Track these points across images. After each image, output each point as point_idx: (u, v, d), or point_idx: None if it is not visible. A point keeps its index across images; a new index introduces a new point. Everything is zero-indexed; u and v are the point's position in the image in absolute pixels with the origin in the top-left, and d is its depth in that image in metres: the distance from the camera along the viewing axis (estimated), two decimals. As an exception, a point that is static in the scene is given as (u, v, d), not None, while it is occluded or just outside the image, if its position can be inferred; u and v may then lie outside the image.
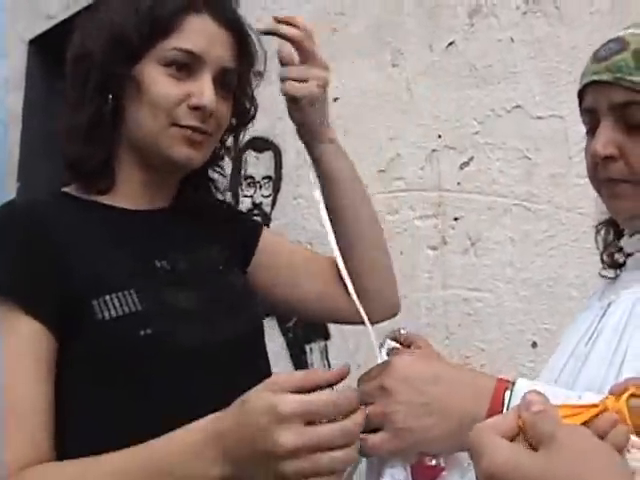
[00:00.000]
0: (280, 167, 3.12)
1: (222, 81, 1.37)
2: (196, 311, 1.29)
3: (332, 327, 2.80)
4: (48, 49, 4.68)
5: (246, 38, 1.43)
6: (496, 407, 0.98)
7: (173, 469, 1.02)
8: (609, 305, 1.31)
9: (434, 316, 2.44)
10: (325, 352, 2.83)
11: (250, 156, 3.24)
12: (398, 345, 1.26)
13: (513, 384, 1.00)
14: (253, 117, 1.57)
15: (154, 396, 1.19)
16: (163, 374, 1.20)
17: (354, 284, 1.25)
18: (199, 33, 1.33)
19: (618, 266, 1.40)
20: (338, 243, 1.30)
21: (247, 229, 1.60)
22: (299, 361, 2.94)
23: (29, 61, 4.92)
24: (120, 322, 1.20)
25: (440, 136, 2.49)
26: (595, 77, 1.27)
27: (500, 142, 2.34)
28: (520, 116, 2.29)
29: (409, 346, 1.32)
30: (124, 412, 1.18)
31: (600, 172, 1.28)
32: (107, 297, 1.21)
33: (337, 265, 1.30)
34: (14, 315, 1.16)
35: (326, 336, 2.83)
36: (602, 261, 1.43)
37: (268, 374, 1.26)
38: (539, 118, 2.21)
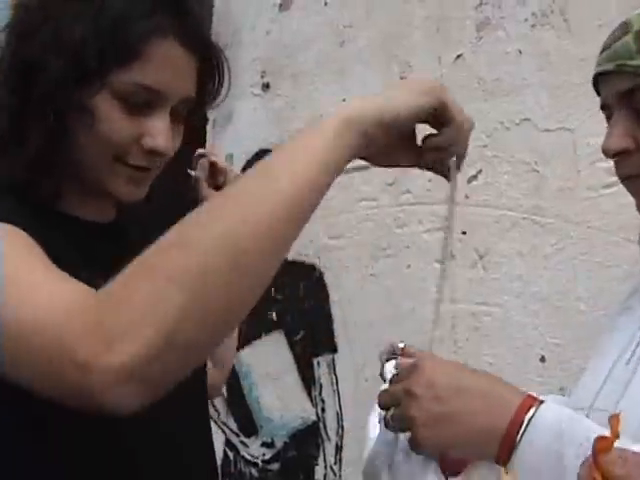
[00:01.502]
0: (288, 180, 3.11)
1: (178, 110, 1.23)
2: None
3: (340, 341, 2.79)
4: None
5: (213, 62, 1.28)
6: (515, 427, 0.97)
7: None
8: None
9: (442, 330, 2.43)
10: (332, 366, 2.82)
11: (258, 168, 3.23)
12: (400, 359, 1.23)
13: (541, 403, 0.98)
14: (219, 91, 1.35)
15: None
16: None
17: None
18: (163, 64, 1.17)
19: None
20: None
21: None
22: (306, 375, 2.93)
23: None
24: None
25: (448, 149, 2.48)
26: (599, 69, 1.20)
27: (508, 155, 2.33)
28: (528, 129, 2.28)
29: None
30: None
31: (619, 170, 1.20)
32: None
33: None
34: None
35: (334, 349, 2.82)
36: None
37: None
38: (547, 131, 2.21)
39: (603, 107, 1.23)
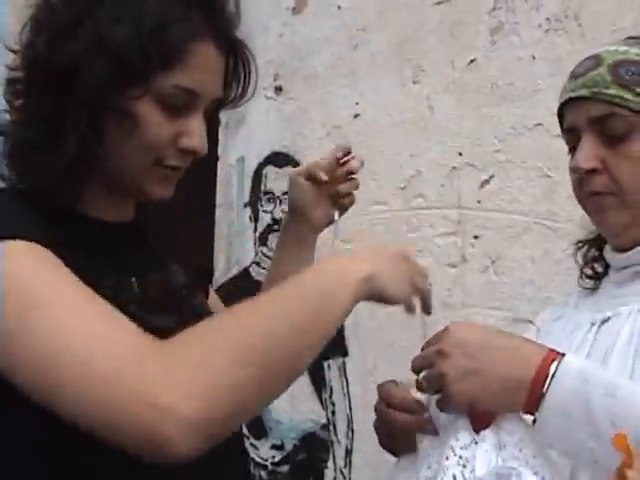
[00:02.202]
0: (300, 183, 3.11)
1: (207, 109, 1.24)
2: (169, 334, 1.15)
3: (350, 344, 2.79)
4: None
5: (240, 61, 1.30)
6: (541, 376, 1.05)
7: (333, 274, 1.11)
8: (604, 321, 1.31)
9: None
10: (343, 369, 2.82)
11: (270, 171, 3.23)
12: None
13: (563, 355, 1.07)
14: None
15: None
16: None
17: None
18: (202, 66, 1.18)
19: (598, 277, 1.42)
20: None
21: (201, 274, 1.55)
22: (317, 377, 2.93)
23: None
24: None
25: (461, 154, 2.48)
26: (572, 94, 1.32)
27: (521, 160, 2.33)
28: (541, 134, 2.28)
29: None
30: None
31: (584, 186, 1.32)
32: None
33: None
34: None
35: (344, 353, 2.82)
36: (582, 274, 1.45)
37: None
38: (560, 136, 2.18)
39: (569, 130, 1.36)
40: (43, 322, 0.98)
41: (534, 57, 2.31)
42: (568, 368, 1.04)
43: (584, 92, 1.28)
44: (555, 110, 2.21)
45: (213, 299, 1.55)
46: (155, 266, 1.30)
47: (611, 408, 1.00)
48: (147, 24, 1.12)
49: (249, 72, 1.32)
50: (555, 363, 1.05)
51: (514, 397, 1.06)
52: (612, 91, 1.25)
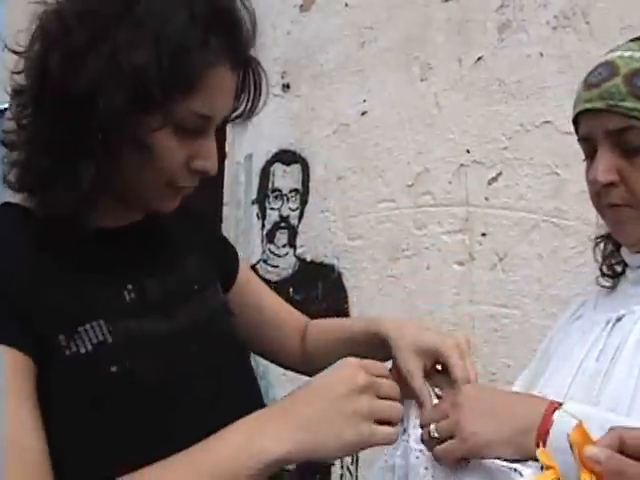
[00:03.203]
0: (308, 180, 3.12)
1: (217, 127, 1.23)
2: (168, 339, 1.21)
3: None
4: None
5: (251, 77, 1.27)
6: (546, 423, 1.08)
7: (236, 455, 1.02)
8: (618, 319, 1.32)
9: (460, 332, 2.43)
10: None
11: (277, 169, 3.24)
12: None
13: (561, 404, 1.11)
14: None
15: (130, 430, 1.12)
16: (139, 408, 1.13)
17: None
18: (217, 91, 1.16)
19: (617, 276, 1.43)
20: None
21: (227, 255, 1.54)
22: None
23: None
24: (89, 358, 1.10)
25: (468, 151, 2.48)
26: (588, 105, 1.29)
27: (529, 158, 2.32)
28: (549, 131, 2.28)
29: None
30: (102, 448, 1.10)
31: (602, 198, 1.31)
32: (74, 331, 1.11)
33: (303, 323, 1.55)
34: None
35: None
36: (601, 272, 1.46)
37: (256, 394, 1.36)
38: (568, 134, 2.19)
39: (584, 139, 1.34)
40: None
41: (542, 54, 2.31)
42: (568, 412, 1.08)
43: (600, 104, 1.26)
44: (563, 107, 2.23)
45: (245, 280, 1.55)
46: (160, 268, 1.29)
47: None
48: (165, 49, 1.07)
49: (259, 88, 1.29)
50: (558, 411, 1.10)
51: (525, 441, 1.10)
52: (629, 104, 1.23)
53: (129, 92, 1.07)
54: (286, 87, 3.18)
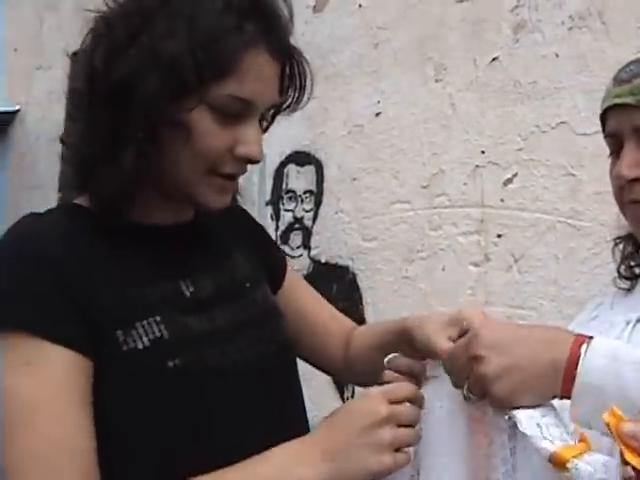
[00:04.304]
0: (322, 181, 3.12)
1: (263, 116, 1.25)
2: (222, 335, 1.23)
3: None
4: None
5: (295, 67, 1.28)
6: (573, 357, 1.06)
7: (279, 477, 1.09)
8: (638, 320, 1.32)
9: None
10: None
11: (292, 170, 3.24)
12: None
13: (590, 338, 1.07)
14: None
15: (186, 423, 1.16)
16: (194, 403, 1.16)
17: None
18: (256, 75, 1.18)
19: (635, 278, 1.43)
20: None
21: (275, 260, 1.55)
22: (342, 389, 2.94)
23: (72, 73, 4.96)
24: (146, 353, 1.14)
25: (484, 152, 2.48)
26: (617, 100, 1.29)
27: (544, 159, 2.32)
28: (565, 132, 2.27)
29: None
30: (158, 442, 1.14)
31: (626, 194, 1.31)
32: (131, 326, 1.14)
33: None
34: (39, 347, 1.08)
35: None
36: (618, 273, 1.45)
37: (299, 393, 1.38)
38: (584, 134, 2.19)
39: (611, 135, 1.33)
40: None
41: (557, 55, 2.30)
42: (598, 348, 1.06)
43: (630, 100, 1.26)
44: (579, 108, 2.22)
45: (291, 284, 1.56)
46: (212, 266, 1.31)
47: None
48: (198, 37, 1.13)
49: (305, 78, 1.30)
50: (585, 345, 1.06)
51: (552, 383, 1.08)
52: None
53: (165, 78, 1.13)
54: (300, 88, 3.18)
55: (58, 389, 1.08)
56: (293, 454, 1.12)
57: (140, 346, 1.13)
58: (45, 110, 5.32)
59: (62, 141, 1.27)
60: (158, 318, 1.16)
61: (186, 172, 1.20)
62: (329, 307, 1.64)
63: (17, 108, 5.68)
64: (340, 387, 2.95)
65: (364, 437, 1.10)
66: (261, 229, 1.60)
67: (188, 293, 1.24)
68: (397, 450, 1.11)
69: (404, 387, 1.16)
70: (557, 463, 0.99)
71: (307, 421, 1.38)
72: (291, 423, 1.27)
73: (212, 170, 1.20)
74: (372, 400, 1.13)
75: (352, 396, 2.86)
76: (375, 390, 1.15)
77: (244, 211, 1.55)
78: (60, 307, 1.10)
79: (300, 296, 1.58)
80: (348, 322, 1.65)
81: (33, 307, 1.10)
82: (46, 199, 5.06)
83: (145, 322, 1.15)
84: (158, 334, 1.15)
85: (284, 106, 1.31)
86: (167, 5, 1.15)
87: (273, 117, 1.31)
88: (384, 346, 1.45)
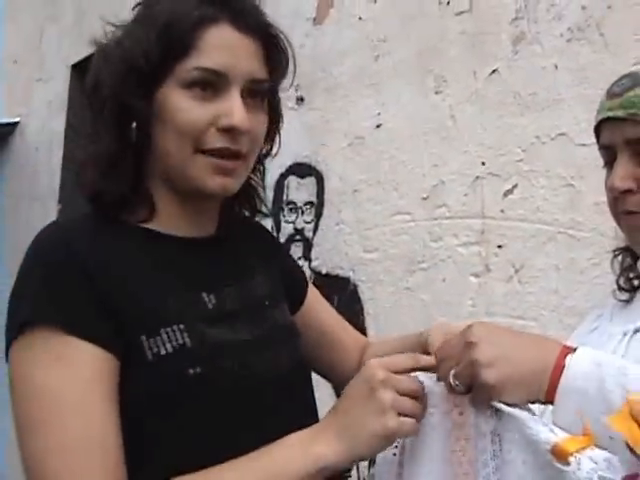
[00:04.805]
0: (322, 193, 3.13)
1: (252, 92, 1.27)
2: (242, 348, 1.26)
3: (374, 353, 2.80)
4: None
5: (275, 42, 1.33)
6: (559, 365, 1.09)
7: (296, 458, 1.13)
8: (636, 331, 1.34)
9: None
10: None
11: (292, 181, 3.25)
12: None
13: (574, 350, 1.10)
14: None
15: (203, 430, 1.19)
16: (214, 411, 1.20)
17: None
18: (220, 47, 1.23)
19: (634, 290, 1.45)
20: None
21: (296, 281, 1.59)
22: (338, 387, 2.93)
23: (71, 85, 4.99)
24: (169, 360, 1.17)
25: (484, 163, 2.49)
26: (610, 113, 1.33)
27: (544, 170, 2.33)
28: (564, 143, 2.28)
29: None
30: (175, 447, 1.17)
31: (619, 205, 1.34)
32: (155, 332, 1.17)
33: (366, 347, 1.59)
34: (70, 344, 1.12)
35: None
36: (617, 285, 1.47)
37: (314, 411, 1.42)
38: (583, 145, 2.20)
39: (605, 147, 1.37)
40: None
41: (557, 66, 2.31)
42: (582, 356, 1.09)
43: (621, 113, 1.30)
44: (578, 119, 2.23)
45: (311, 302, 1.61)
46: (233, 280, 1.35)
47: (624, 385, 1.04)
48: (158, 22, 1.22)
49: (285, 52, 1.35)
50: (571, 354, 1.10)
51: (539, 384, 1.10)
52: None
53: (130, 65, 1.22)
54: (300, 100, 3.19)
55: (88, 385, 1.11)
56: (311, 435, 1.15)
57: (163, 352, 1.17)
58: (45, 121, 5.33)
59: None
60: (182, 326, 1.20)
61: (175, 153, 1.24)
62: (345, 323, 1.69)
63: (17, 119, 5.70)
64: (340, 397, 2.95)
65: (365, 404, 1.13)
66: (283, 251, 1.68)
67: (210, 305, 1.27)
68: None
69: (402, 358, 1.18)
70: (559, 455, 1.01)
71: None
72: None
73: (199, 148, 1.24)
74: (369, 367, 1.15)
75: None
76: (374, 360, 1.17)
77: (267, 232, 1.61)
78: (89, 306, 1.14)
79: (320, 313, 1.63)
80: (363, 338, 1.71)
81: (64, 305, 1.13)
82: (45, 209, 5.08)
83: (169, 329, 1.19)
84: (181, 341, 1.19)
85: (277, 83, 1.36)
86: (146, 13, 1.27)
87: (271, 95, 1.36)
88: None
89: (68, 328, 1.12)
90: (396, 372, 1.15)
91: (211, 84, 1.23)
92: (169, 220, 1.31)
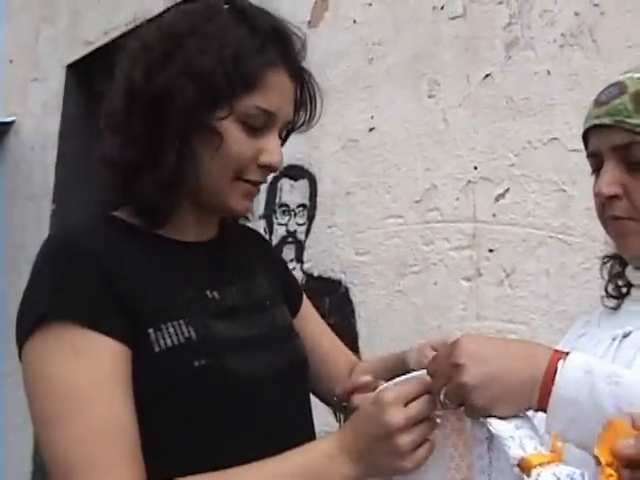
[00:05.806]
0: (315, 195, 3.13)
1: (280, 131, 1.38)
2: (244, 344, 1.32)
3: (365, 357, 2.79)
4: (85, 74, 4.76)
5: (307, 89, 1.44)
6: (550, 372, 1.10)
7: (312, 473, 1.17)
8: (625, 335, 1.35)
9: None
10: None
11: (285, 184, 3.25)
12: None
13: (567, 354, 1.12)
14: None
15: (206, 423, 1.23)
16: (216, 403, 1.24)
17: None
18: (277, 90, 1.33)
19: (622, 297, 1.46)
20: None
21: (292, 293, 1.64)
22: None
23: (67, 85, 5.00)
24: (174, 352, 1.22)
25: (476, 167, 2.49)
26: (596, 121, 1.34)
27: (536, 174, 2.33)
28: (556, 148, 2.29)
29: None
30: (179, 439, 1.22)
31: (606, 211, 1.36)
32: (162, 326, 1.23)
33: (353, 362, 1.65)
34: (87, 337, 1.17)
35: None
36: (606, 292, 1.48)
37: (308, 411, 1.48)
38: (575, 151, 2.21)
39: (593, 155, 1.39)
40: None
41: (549, 72, 2.32)
42: (574, 362, 1.10)
43: (607, 120, 1.31)
44: (570, 124, 2.24)
45: (304, 316, 1.66)
46: (236, 280, 1.42)
47: (615, 393, 1.06)
48: (228, 55, 1.28)
49: (315, 98, 1.46)
50: (562, 360, 1.10)
51: (529, 396, 1.11)
52: (635, 120, 1.28)
53: (200, 89, 1.27)
54: (294, 103, 3.19)
55: (106, 377, 1.16)
56: (326, 451, 1.19)
57: (170, 344, 1.22)
58: (40, 121, 5.33)
59: (98, 162, 1.37)
60: (188, 320, 1.26)
61: (216, 178, 1.33)
62: (337, 339, 1.74)
63: (12, 119, 5.69)
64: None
65: (384, 446, 1.15)
66: (281, 260, 1.75)
67: (214, 302, 1.34)
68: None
69: (415, 384, 1.20)
70: (524, 468, 1.03)
71: (314, 437, 1.46)
72: (298, 436, 1.31)
73: (238, 177, 1.34)
74: (387, 410, 1.16)
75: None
76: (389, 396, 1.17)
77: (267, 242, 1.73)
78: (106, 301, 1.20)
79: (313, 328, 1.67)
80: (352, 356, 1.75)
81: (82, 300, 1.18)
82: (40, 209, 5.07)
83: (176, 323, 1.25)
84: (187, 335, 1.24)
85: (297, 124, 1.46)
86: (198, 29, 1.31)
87: (287, 136, 1.46)
88: (385, 377, 1.49)
89: (87, 322, 1.17)
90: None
91: (261, 122, 1.32)
92: (177, 227, 1.39)
